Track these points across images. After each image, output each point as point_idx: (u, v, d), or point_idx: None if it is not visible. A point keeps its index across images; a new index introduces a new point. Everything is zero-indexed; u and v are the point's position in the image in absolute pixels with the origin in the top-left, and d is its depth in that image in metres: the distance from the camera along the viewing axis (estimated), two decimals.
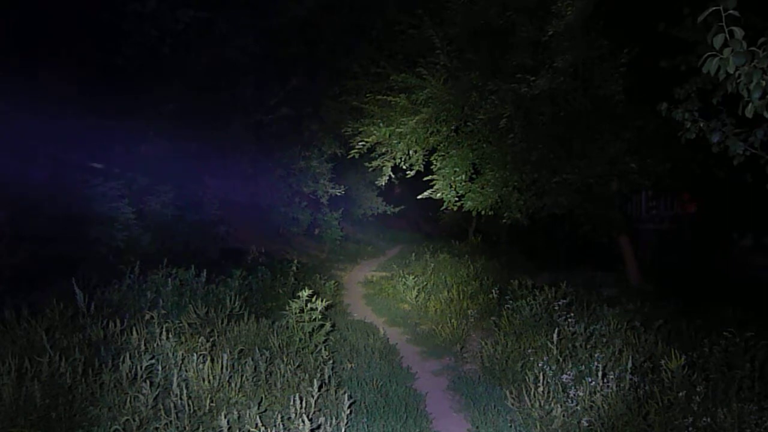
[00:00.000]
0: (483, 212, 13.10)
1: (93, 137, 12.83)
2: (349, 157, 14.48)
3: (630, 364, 6.15)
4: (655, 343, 7.35)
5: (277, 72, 16.74)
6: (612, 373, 6.11)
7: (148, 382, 5.96)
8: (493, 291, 11.37)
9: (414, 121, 12.51)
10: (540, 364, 6.64)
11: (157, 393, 5.81)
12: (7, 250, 10.12)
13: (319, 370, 7.03)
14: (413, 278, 13.44)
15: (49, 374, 5.91)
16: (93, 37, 12.16)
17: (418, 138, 13.03)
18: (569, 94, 10.88)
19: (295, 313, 8.06)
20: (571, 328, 7.80)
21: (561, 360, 6.85)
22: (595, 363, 6.26)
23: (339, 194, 21.18)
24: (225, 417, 5.36)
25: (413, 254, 17.48)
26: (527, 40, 10.98)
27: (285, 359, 7.10)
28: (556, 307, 8.95)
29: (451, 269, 15.00)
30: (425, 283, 13.50)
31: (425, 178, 13.61)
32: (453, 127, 12.92)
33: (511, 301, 9.88)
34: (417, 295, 12.64)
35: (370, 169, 14.57)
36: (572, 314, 8.38)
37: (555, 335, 7.13)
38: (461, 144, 12.93)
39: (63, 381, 5.90)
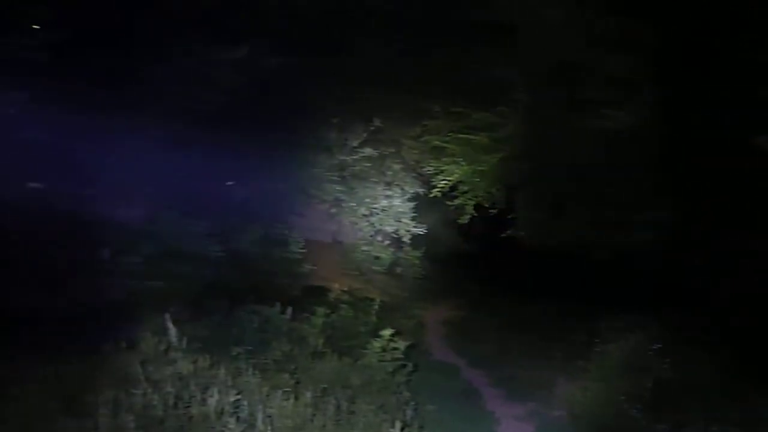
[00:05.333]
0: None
1: (188, 176, 13.51)
2: (431, 195, 14.53)
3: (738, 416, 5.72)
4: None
5: (360, 113, 17.21)
6: (715, 426, 5.69)
7: (234, 417, 6.06)
8: (580, 331, 10.91)
9: (495, 158, 12.44)
10: (633, 413, 6.29)
11: (243, 429, 5.90)
12: (108, 287, 10.78)
13: (400, 411, 6.94)
14: (496, 318, 13.14)
15: (142, 406, 6.14)
16: None
17: (499, 175, 12.93)
18: (654, 129, 10.49)
19: (377, 352, 8.06)
20: (666, 374, 7.36)
21: (656, 408, 6.45)
22: (695, 413, 5.86)
23: (421, 233, 21.17)
24: None
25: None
26: (608, 74, 10.74)
27: (367, 399, 7.07)
28: (650, 351, 8.47)
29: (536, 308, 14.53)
30: (508, 322, 13.14)
31: (509, 216, 13.44)
32: (535, 164, 12.73)
33: (600, 344, 9.44)
34: (499, 336, 12.32)
35: (452, 208, 14.55)
36: (667, 359, 7.91)
37: (649, 381, 6.74)
38: (543, 181, 12.70)
39: (155, 413, 6.10)
